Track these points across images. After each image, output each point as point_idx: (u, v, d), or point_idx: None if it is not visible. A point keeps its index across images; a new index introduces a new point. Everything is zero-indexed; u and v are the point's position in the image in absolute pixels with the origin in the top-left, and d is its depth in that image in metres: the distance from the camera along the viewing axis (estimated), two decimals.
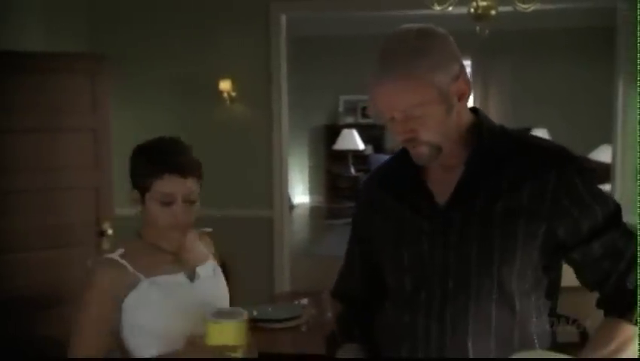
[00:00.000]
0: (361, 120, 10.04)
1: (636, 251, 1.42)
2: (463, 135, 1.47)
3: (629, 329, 1.41)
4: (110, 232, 3.69)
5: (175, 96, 4.78)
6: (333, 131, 9.80)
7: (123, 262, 1.76)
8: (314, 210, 10.16)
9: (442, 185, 1.49)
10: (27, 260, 3.48)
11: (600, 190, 1.46)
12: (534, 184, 1.41)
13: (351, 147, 9.22)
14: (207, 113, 4.76)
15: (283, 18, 4.67)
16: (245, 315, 1.64)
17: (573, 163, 1.44)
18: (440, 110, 1.40)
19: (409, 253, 1.51)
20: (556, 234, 1.43)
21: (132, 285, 1.74)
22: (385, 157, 8.94)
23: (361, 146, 9.26)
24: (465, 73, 1.44)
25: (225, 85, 4.63)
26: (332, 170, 9.98)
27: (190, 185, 1.76)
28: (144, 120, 4.79)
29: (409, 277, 1.51)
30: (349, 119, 10.04)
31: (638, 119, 3.97)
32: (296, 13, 4.93)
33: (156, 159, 1.75)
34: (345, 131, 9.31)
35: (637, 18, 3.81)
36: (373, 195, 1.64)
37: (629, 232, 1.45)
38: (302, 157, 10.29)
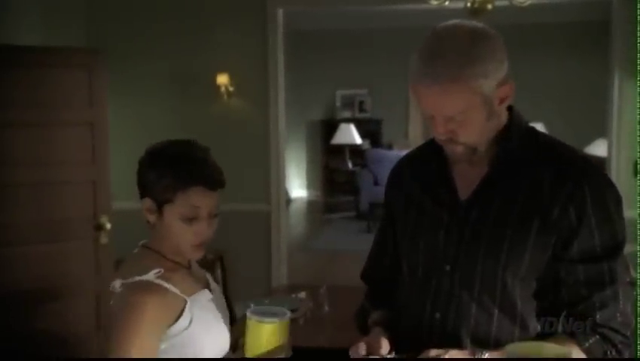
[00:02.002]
0: (358, 115, 10.04)
1: (619, 291, 1.39)
2: (496, 134, 1.46)
3: (572, 347, 1.36)
4: (108, 226, 3.70)
5: (173, 90, 4.79)
6: (330, 126, 9.80)
7: (168, 285, 1.53)
8: (311, 205, 10.17)
9: (466, 179, 1.49)
10: (25, 254, 3.48)
11: (613, 219, 1.40)
12: (551, 193, 1.39)
13: (348, 141, 9.22)
14: (204, 107, 4.77)
15: (280, 12, 4.68)
16: (288, 313, 1.55)
17: (592, 178, 1.41)
18: (482, 115, 1.39)
19: (425, 243, 1.53)
20: (559, 245, 1.40)
21: (181, 309, 1.55)
22: (382, 151, 9.03)
23: (358, 140, 9.27)
24: (510, 76, 1.41)
25: (222, 79, 4.64)
26: (329, 164, 9.99)
27: (216, 198, 1.58)
28: (141, 114, 4.81)
29: (422, 266, 1.53)
30: (346, 114, 10.04)
31: (637, 118, 3.98)
32: (293, 8, 4.94)
33: (183, 169, 1.55)
34: (342, 126, 9.31)
35: (637, 18, 3.83)
36: (403, 179, 1.65)
37: (621, 271, 1.40)
38: (299, 151, 10.30)
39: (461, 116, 1.38)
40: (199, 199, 1.55)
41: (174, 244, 1.61)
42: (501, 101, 1.41)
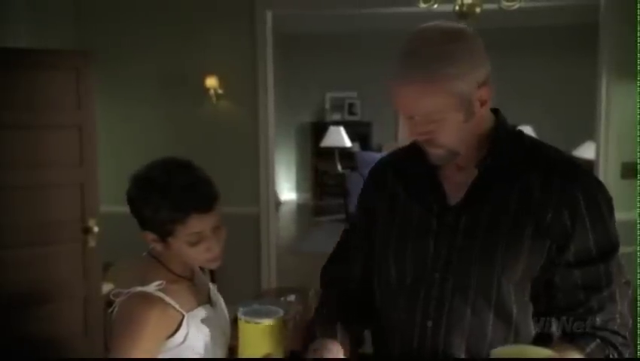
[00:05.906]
0: (348, 117, 10.06)
1: (616, 292, 1.37)
2: (480, 138, 1.43)
3: (573, 353, 1.34)
4: (95, 229, 3.68)
5: (161, 93, 4.77)
6: (319, 129, 9.82)
7: (168, 299, 1.53)
8: (301, 207, 10.17)
9: (455, 185, 1.46)
10: (12, 257, 3.46)
11: (605, 220, 1.38)
12: (542, 197, 1.37)
13: (338, 144, 9.23)
14: (193, 110, 4.75)
15: (269, 15, 4.67)
16: (281, 312, 1.51)
17: (582, 180, 1.39)
18: (458, 117, 1.35)
19: (413, 248, 1.48)
20: (554, 250, 1.38)
21: (178, 323, 1.55)
22: (371, 154, 9.06)
23: (347, 143, 9.28)
24: (489, 77, 1.37)
25: (211, 82, 4.63)
26: (319, 167, 10.01)
27: (216, 213, 1.57)
28: (130, 117, 4.78)
29: (410, 272, 1.49)
30: (336, 116, 10.06)
31: (637, 119, 4.00)
32: (282, 10, 4.93)
33: (177, 200, 1.50)
34: (332, 129, 9.32)
35: (637, 18, 3.86)
36: (386, 181, 1.60)
37: (616, 272, 1.38)
38: (289, 154, 10.29)
39: (437, 116, 1.35)
40: (200, 224, 1.53)
41: (188, 260, 1.61)
42: (482, 103, 1.37)
